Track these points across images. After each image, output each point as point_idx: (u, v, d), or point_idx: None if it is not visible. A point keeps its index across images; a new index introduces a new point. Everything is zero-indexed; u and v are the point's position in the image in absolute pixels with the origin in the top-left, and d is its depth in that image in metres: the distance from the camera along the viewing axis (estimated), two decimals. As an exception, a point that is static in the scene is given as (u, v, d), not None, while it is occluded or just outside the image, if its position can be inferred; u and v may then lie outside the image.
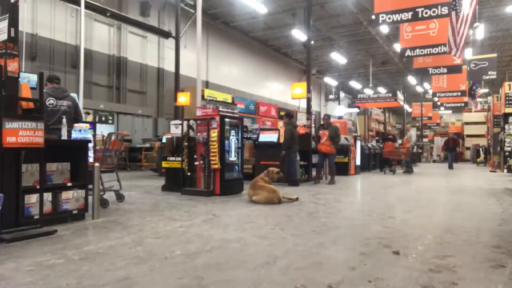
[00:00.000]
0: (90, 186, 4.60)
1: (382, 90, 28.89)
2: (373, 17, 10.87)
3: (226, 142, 7.12)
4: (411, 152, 14.73)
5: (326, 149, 9.42)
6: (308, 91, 13.13)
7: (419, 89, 30.63)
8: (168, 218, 4.67)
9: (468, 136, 28.07)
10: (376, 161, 16.30)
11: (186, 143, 7.31)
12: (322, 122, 10.15)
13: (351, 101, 31.33)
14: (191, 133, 7.29)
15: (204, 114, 7.08)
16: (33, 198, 3.84)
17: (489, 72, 17.32)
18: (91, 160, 5.59)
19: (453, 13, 8.66)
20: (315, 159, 10.44)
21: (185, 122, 7.44)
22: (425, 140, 29.01)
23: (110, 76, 16.55)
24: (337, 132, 9.70)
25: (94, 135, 9.29)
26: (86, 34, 14.35)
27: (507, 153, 14.30)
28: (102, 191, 5.37)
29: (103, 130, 11.66)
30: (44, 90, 5.20)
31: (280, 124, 14.72)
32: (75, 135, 5.91)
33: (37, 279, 2.49)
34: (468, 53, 18.06)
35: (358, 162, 13.78)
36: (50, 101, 5.22)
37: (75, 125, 5.75)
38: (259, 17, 19.94)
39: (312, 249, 3.28)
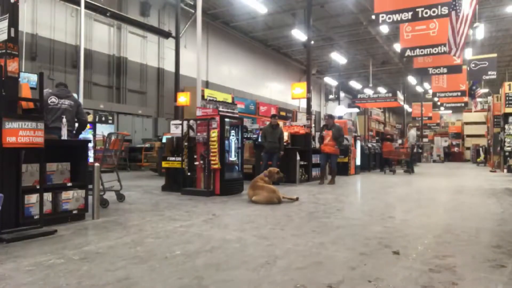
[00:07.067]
0: (90, 186, 4.60)
1: (382, 90, 28.93)
2: (373, 17, 10.87)
3: (226, 142, 7.12)
4: (410, 152, 14.71)
5: (330, 149, 9.41)
6: (308, 91, 13.13)
7: (419, 89, 30.63)
8: (168, 218, 4.67)
9: (468, 136, 28.09)
10: (376, 161, 16.29)
11: (186, 143, 7.31)
12: (325, 123, 10.16)
13: (351, 101, 31.33)
14: (191, 133, 7.29)
15: (204, 114, 7.08)
16: (33, 198, 3.84)
17: (489, 72, 17.31)
18: (91, 160, 5.59)
19: (453, 13, 8.67)
20: (316, 159, 10.45)
21: (185, 122, 7.45)
22: (425, 140, 29.02)
23: (110, 76, 16.55)
24: (341, 132, 9.71)
25: (94, 135, 9.31)
26: (86, 34, 14.35)
27: (507, 153, 14.31)
28: (102, 191, 5.37)
29: (103, 130, 11.67)
30: (49, 90, 5.24)
31: (280, 124, 14.71)
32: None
33: (37, 279, 2.49)
34: (468, 53, 18.05)
35: (358, 162, 13.77)
36: (52, 99, 5.22)
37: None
38: (259, 17, 19.94)
39: (312, 249, 3.28)
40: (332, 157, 9.58)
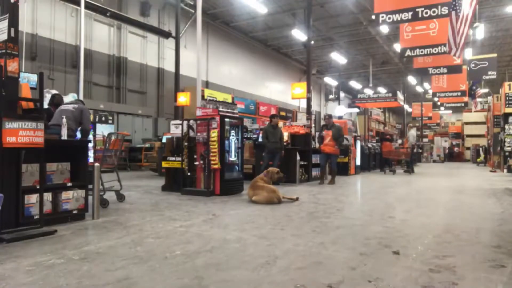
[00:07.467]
0: (90, 186, 4.60)
1: (382, 90, 28.90)
2: (373, 17, 10.87)
3: (226, 142, 7.12)
4: (410, 152, 14.71)
5: (330, 149, 9.40)
6: (308, 91, 13.15)
7: (419, 89, 30.64)
8: (168, 218, 4.67)
9: (468, 136, 28.11)
10: (376, 161, 16.30)
11: (186, 143, 7.31)
12: (325, 123, 10.13)
13: (351, 101, 31.33)
14: (191, 133, 7.29)
15: (204, 114, 7.08)
16: (33, 198, 3.84)
17: (489, 72, 17.31)
18: (91, 160, 5.58)
19: (453, 13, 8.67)
20: (316, 159, 10.44)
21: (185, 122, 7.44)
22: (425, 140, 29.03)
23: (110, 76, 16.55)
24: (341, 132, 9.68)
25: (94, 135, 9.30)
26: (86, 34, 14.36)
27: (507, 153, 14.30)
28: (102, 191, 5.37)
29: (103, 130, 11.67)
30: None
31: (280, 124, 14.73)
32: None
33: (37, 279, 2.49)
34: (468, 53, 18.06)
35: (358, 162, 13.77)
36: (61, 106, 5.34)
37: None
38: (259, 17, 19.95)
39: (312, 249, 3.28)
40: (332, 157, 9.57)
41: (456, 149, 30.97)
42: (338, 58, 25.02)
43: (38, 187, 3.83)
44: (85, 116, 5.36)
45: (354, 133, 15.05)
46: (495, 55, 18.47)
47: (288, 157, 9.36)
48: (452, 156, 29.60)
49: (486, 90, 27.95)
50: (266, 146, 8.88)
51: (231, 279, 2.52)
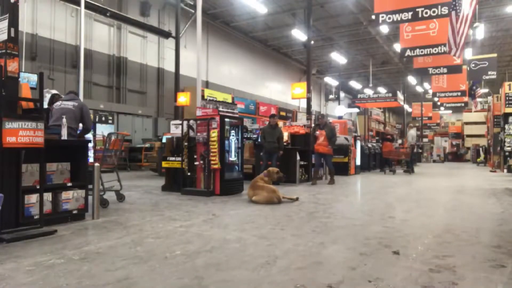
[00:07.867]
0: (90, 186, 4.60)
1: (382, 90, 28.90)
2: (373, 17, 10.87)
3: (226, 142, 7.12)
4: (410, 152, 14.71)
5: (324, 149, 9.38)
6: (308, 91, 13.17)
7: (419, 89, 30.63)
8: (168, 218, 4.67)
9: (468, 136, 28.11)
10: (376, 161, 16.29)
11: (186, 143, 7.31)
12: (318, 122, 10.13)
13: (351, 101, 31.33)
14: (191, 133, 7.29)
15: (204, 114, 7.08)
16: (33, 198, 3.84)
17: (489, 72, 17.31)
18: (91, 160, 5.58)
19: (453, 13, 8.67)
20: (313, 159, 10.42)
21: (185, 122, 7.45)
22: (425, 140, 29.03)
23: (110, 76, 16.56)
24: (334, 132, 9.67)
25: (94, 135, 9.30)
26: (86, 34, 14.36)
27: (507, 153, 14.30)
28: (102, 191, 5.37)
29: (103, 130, 11.67)
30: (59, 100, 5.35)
31: (280, 124, 14.73)
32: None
33: (37, 279, 2.49)
34: (468, 53, 18.05)
35: (358, 162, 13.77)
36: (58, 102, 5.30)
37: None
38: (259, 17, 19.95)
39: (312, 249, 3.28)
40: (327, 157, 9.55)
41: (455, 149, 30.94)
42: (338, 58, 25.02)
43: (38, 187, 3.83)
44: (86, 114, 5.36)
45: (354, 133, 15.04)
46: (495, 55, 18.47)
47: (288, 157, 9.35)
48: (457, 156, 29.55)
49: (486, 90, 27.95)
50: (263, 146, 8.90)
51: (231, 279, 2.52)
